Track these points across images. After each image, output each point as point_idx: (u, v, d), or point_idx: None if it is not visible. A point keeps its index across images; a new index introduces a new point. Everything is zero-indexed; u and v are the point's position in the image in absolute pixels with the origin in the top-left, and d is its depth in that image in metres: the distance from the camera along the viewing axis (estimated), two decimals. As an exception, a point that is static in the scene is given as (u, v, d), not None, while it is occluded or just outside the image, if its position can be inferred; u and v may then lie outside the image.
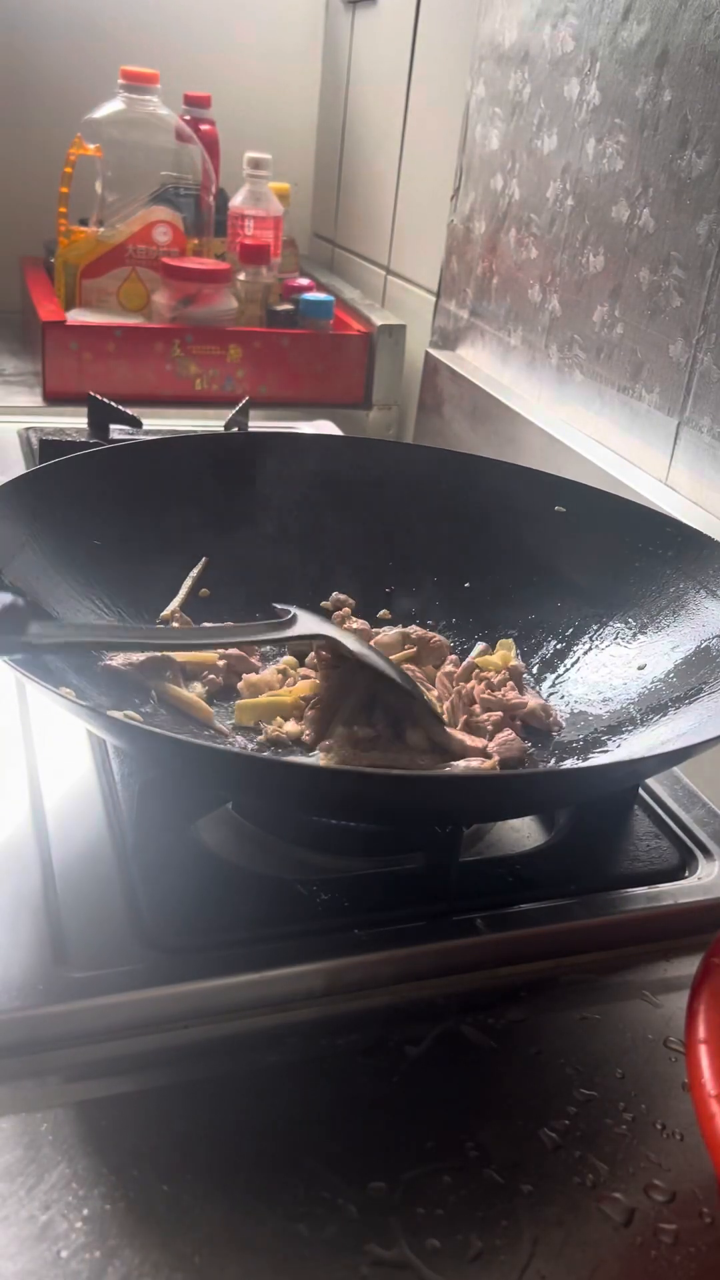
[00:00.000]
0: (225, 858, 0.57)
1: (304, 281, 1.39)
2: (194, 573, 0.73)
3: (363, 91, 1.51)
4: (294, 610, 0.62)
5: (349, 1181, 0.42)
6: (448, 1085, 0.47)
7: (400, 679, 0.61)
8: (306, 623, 0.62)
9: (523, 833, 0.63)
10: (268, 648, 0.71)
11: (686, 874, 0.59)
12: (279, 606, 0.66)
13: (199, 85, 1.42)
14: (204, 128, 1.39)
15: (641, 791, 0.65)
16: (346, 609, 0.75)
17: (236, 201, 1.36)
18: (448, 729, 0.62)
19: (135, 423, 0.99)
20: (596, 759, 0.62)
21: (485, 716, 0.65)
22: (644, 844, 0.61)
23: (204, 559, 0.74)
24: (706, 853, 0.61)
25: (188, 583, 0.72)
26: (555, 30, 0.96)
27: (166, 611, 0.70)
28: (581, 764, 0.61)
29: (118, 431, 0.99)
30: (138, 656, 0.63)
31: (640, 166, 0.84)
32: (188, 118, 1.36)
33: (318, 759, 0.60)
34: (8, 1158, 0.41)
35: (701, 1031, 0.43)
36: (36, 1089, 0.44)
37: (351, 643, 0.61)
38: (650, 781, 0.66)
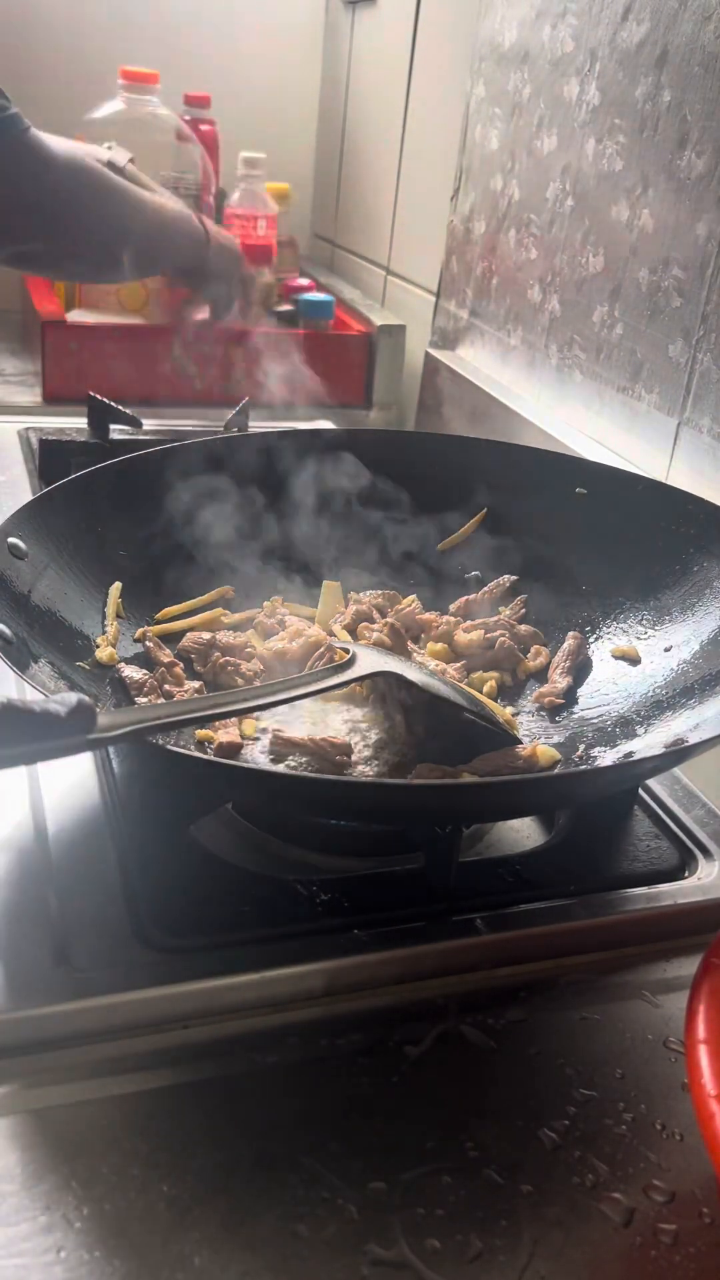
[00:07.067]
0: (225, 858, 0.57)
1: (304, 281, 1.39)
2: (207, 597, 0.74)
3: (363, 91, 1.51)
4: (352, 649, 0.61)
5: (349, 1181, 0.42)
6: (448, 1085, 0.47)
7: (468, 703, 0.61)
8: (368, 660, 0.60)
9: (523, 833, 0.63)
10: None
11: (686, 874, 0.59)
12: (337, 645, 0.65)
13: (199, 85, 1.42)
14: (204, 128, 1.39)
15: (641, 791, 0.65)
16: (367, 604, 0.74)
17: (232, 201, 1.36)
18: (520, 742, 0.62)
19: (135, 423, 0.99)
20: (623, 746, 0.62)
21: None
22: (644, 844, 0.61)
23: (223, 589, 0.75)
24: (706, 853, 0.61)
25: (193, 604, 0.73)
26: (555, 30, 0.96)
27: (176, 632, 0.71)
28: (578, 768, 0.61)
29: (118, 431, 0.99)
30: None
31: (640, 166, 0.84)
32: (188, 118, 1.36)
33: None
34: (8, 1158, 0.41)
35: (701, 1031, 0.43)
36: (36, 1089, 0.45)
37: (415, 674, 0.60)
38: (650, 781, 0.66)
